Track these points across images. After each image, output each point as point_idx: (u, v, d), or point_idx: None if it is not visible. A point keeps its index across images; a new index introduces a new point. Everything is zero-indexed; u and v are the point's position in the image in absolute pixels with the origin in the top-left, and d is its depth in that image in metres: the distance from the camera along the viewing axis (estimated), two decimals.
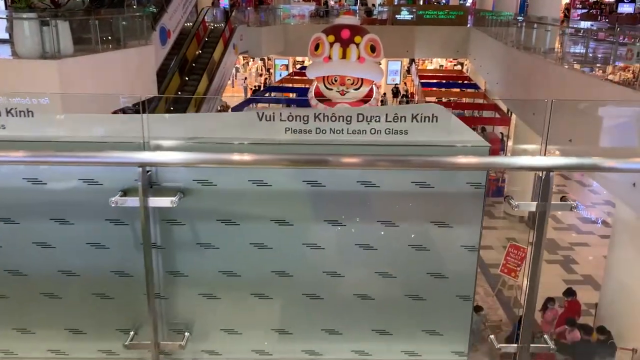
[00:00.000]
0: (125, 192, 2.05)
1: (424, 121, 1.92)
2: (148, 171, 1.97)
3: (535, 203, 2.01)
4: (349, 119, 1.95)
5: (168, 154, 2.01)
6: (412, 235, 2.11)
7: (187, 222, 2.13)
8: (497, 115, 20.12)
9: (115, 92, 13.19)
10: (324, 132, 1.97)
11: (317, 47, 13.21)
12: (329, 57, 12.93)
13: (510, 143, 20.12)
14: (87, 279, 2.27)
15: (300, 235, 2.15)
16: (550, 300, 10.40)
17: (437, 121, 1.94)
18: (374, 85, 13.76)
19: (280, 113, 1.96)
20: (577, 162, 2.09)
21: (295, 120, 1.97)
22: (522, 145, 16.49)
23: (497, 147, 19.97)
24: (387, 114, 1.91)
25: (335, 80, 12.97)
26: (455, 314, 2.37)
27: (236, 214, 2.09)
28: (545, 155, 2.12)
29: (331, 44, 12.93)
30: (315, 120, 1.97)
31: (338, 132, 1.97)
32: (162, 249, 2.16)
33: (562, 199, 2.05)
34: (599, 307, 10.56)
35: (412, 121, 1.92)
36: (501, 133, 21.85)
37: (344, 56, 12.91)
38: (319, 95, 13.74)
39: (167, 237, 2.15)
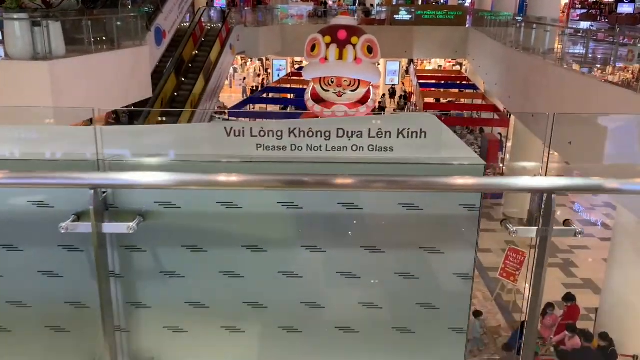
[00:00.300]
0: (79, 216, 1.82)
1: (412, 137, 1.72)
2: (104, 192, 1.77)
3: (535, 228, 1.81)
4: (327, 134, 1.75)
5: (124, 175, 1.76)
6: (400, 262, 1.90)
7: (148, 248, 1.92)
8: (496, 117, 19.93)
9: (109, 94, 13.02)
10: (299, 149, 1.76)
11: (313, 48, 13.01)
12: (326, 58, 12.73)
13: (509, 144, 19.89)
14: (40, 310, 2.04)
15: (275, 262, 1.92)
16: (549, 305, 10.23)
17: (425, 137, 1.74)
18: (371, 87, 13.56)
19: (251, 128, 1.75)
20: (580, 184, 1.88)
21: (268, 136, 1.77)
22: (521, 163, 16.30)
23: (496, 148, 19.79)
24: (370, 129, 1.71)
25: (332, 82, 12.77)
26: (448, 348, 2.13)
27: (204, 239, 1.87)
28: (546, 174, 1.92)
29: (327, 45, 12.73)
30: (290, 136, 1.76)
31: (316, 148, 1.77)
32: (121, 277, 1.95)
33: (566, 222, 1.86)
34: (600, 312, 10.36)
35: (397, 137, 1.73)
36: (499, 134, 21.66)
37: (340, 57, 12.71)
38: (315, 97, 13.54)
39: (127, 264, 1.94)
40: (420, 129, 1.73)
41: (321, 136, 1.74)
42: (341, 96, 12.86)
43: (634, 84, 9.01)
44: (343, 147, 1.75)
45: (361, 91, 12.98)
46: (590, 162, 9.78)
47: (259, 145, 1.77)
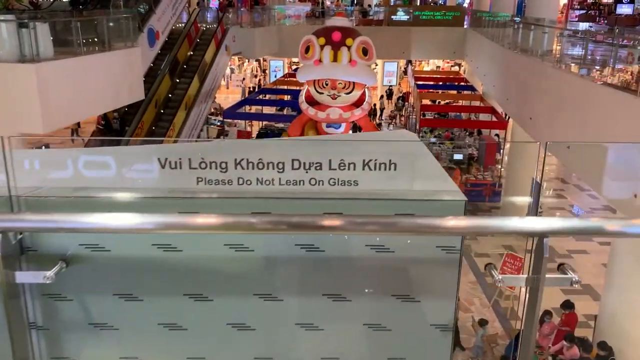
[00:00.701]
0: None
1: (379, 169, 1.46)
2: (20, 233, 1.51)
3: (524, 277, 1.55)
4: (281, 166, 1.49)
5: (39, 217, 1.49)
6: (369, 312, 1.64)
7: (75, 296, 1.67)
8: (494, 119, 19.69)
9: (99, 96, 12.75)
10: (248, 182, 1.51)
11: (307, 50, 12.75)
12: (320, 60, 12.47)
13: (507, 146, 19.63)
14: None
15: (223, 313, 1.67)
16: (547, 313, 10.00)
17: (395, 169, 1.48)
18: (366, 89, 13.30)
19: (189, 159, 1.49)
20: (577, 225, 1.62)
21: (210, 168, 1.51)
22: (512, 198, 16.09)
23: (494, 150, 19.55)
24: (330, 160, 1.45)
25: (326, 84, 12.51)
26: None
27: (139, 286, 1.63)
28: (537, 213, 1.66)
29: (322, 47, 12.47)
30: (236, 168, 1.51)
31: (267, 182, 1.52)
32: (45, 329, 1.71)
33: (560, 268, 1.60)
34: (599, 320, 10.13)
35: (363, 169, 1.47)
36: (497, 135, 21.43)
37: (335, 59, 12.45)
38: (309, 100, 13.28)
39: (51, 315, 1.69)
40: (390, 160, 1.48)
41: (273, 168, 1.49)
42: (336, 99, 12.59)
43: (634, 86, 8.77)
44: (299, 181, 1.50)
45: (356, 94, 12.73)
46: (589, 166, 9.54)
47: (199, 179, 1.52)
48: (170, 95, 21.14)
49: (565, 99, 10.75)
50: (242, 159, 1.49)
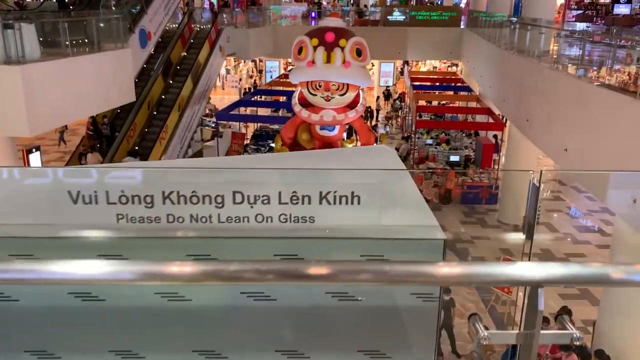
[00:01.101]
0: None
1: (339, 203, 1.20)
2: None
3: (515, 332, 1.30)
4: (219, 200, 1.24)
5: None
6: None
7: None
8: (491, 120, 19.47)
9: (88, 99, 12.48)
10: (180, 219, 1.25)
11: (300, 51, 12.49)
12: (313, 62, 12.21)
13: (505, 147, 19.40)
14: None
15: None
16: (544, 320, 9.73)
17: (359, 203, 1.22)
18: (360, 91, 13.05)
19: (107, 191, 1.24)
20: (577, 273, 1.35)
21: (132, 202, 1.25)
22: (506, 235, 15.88)
23: (490, 152, 19.33)
24: (280, 192, 1.20)
25: (320, 86, 12.25)
26: None
27: (55, 341, 1.37)
28: (530, 257, 1.40)
29: (315, 48, 12.21)
30: (164, 203, 1.25)
31: (204, 219, 1.26)
32: None
33: (558, 319, 1.35)
34: (597, 327, 9.88)
35: (320, 203, 1.21)
36: (495, 136, 21.16)
37: (328, 60, 12.19)
38: (303, 101, 13.02)
39: None
40: (352, 192, 1.21)
41: (210, 202, 1.23)
42: (329, 100, 12.33)
43: (632, 87, 8.55)
44: (243, 218, 1.24)
45: (350, 95, 12.46)
46: (587, 166, 9.32)
47: (120, 216, 1.26)
48: (163, 97, 20.87)
49: (562, 101, 10.52)
50: (172, 192, 1.23)
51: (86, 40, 12.96)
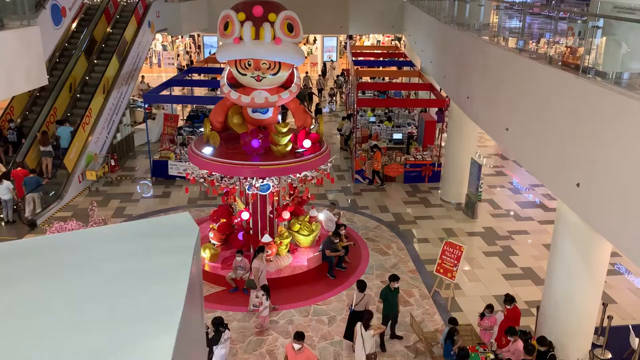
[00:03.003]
0: None
1: None
2: None
3: None
4: None
5: None
6: None
7: None
8: (433, 96, 19.06)
9: None
10: None
11: (226, 26, 11.48)
12: (240, 38, 11.25)
13: (447, 124, 19.07)
14: None
15: None
16: (487, 307, 9.43)
17: None
18: (295, 70, 12.20)
19: None
20: None
21: None
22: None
23: (433, 129, 18.96)
24: None
25: (249, 65, 11.33)
26: None
27: None
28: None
29: (242, 23, 11.24)
30: None
31: None
32: None
33: None
34: (542, 311, 9.65)
35: None
36: (437, 113, 20.82)
37: (257, 36, 11.26)
38: (232, 82, 12.06)
39: None
40: None
41: None
42: (260, 80, 11.45)
43: (572, 59, 8.12)
44: None
45: (283, 75, 11.62)
46: (527, 148, 8.92)
47: None
48: (87, 78, 19.31)
49: (503, 78, 10.06)
50: None
51: None
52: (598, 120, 6.54)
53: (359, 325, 8.53)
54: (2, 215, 14.48)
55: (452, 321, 8.90)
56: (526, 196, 17.22)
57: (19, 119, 17.71)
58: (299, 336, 7.81)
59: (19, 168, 15.19)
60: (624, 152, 5.92)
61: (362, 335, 8.44)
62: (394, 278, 9.83)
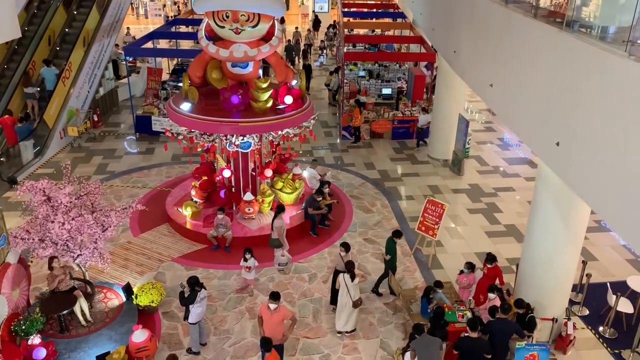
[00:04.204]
0: None
1: None
2: None
3: None
4: None
5: None
6: None
7: None
8: (423, 50, 18.58)
9: None
10: None
11: None
12: None
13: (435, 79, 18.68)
14: None
15: None
16: (467, 265, 9.44)
17: None
18: (275, 21, 11.74)
19: None
20: None
21: None
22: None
23: (422, 83, 18.58)
24: None
25: (227, 17, 10.86)
26: None
27: None
28: None
29: None
30: None
31: None
32: None
33: None
34: (520, 270, 9.63)
35: None
36: (426, 66, 20.35)
37: None
38: (210, 34, 11.62)
39: None
40: None
41: None
42: (239, 33, 11.02)
43: (558, 9, 7.80)
44: None
45: (263, 27, 11.18)
46: (509, 105, 8.69)
47: None
48: (66, 30, 18.68)
49: (488, 31, 9.70)
50: None
51: None
52: (580, 77, 6.30)
53: (342, 276, 8.60)
54: None
55: (438, 284, 8.86)
56: (516, 152, 17.06)
57: None
58: (275, 296, 7.75)
59: (6, 116, 15.10)
60: (605, 112, 5.70)
61: (347, 285, 8.56)
62: (398, 234, 9.78)
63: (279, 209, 10.70)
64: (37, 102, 16.24)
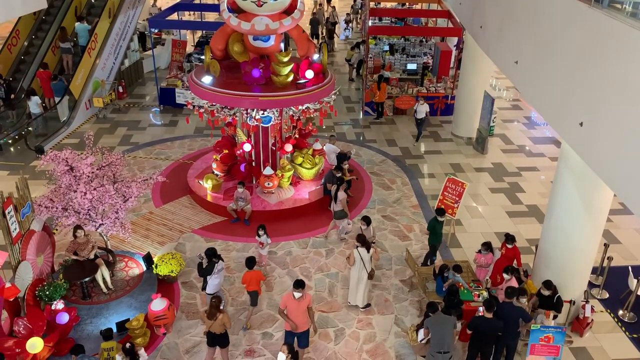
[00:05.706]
0: None
1: None
2: None
3: None
4: None
5: None
6: None
7: None
8: (450, 24, 18.16)
9: None
10: None
11: None
12: None
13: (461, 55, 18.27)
14: None
15: None
16: (484, 245, 9.35)
17: None
18: None
19: None
20: None
21: None
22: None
23: (448, 59, 18.19)
24: None
25: None
26: None
27: None
28: None
29: None
30: None
31: None
32: None
33: None
34: (539, 249, 9.50)
35: None
36: (458, 39, 19.88)
37: None
38: (233, 7, 11.53)
39: None
40: None
41: None
42: (262, 6, 10.91)
43: None
44: None
45: (285, 0, 11.05)
46: (534, 83, 8.47)
47: None
48: (92, 1, 18.78)
49: (516, 6, 9.40)
50: None
51: None
52: (608, 56, 6.08)
53: (356, 250, 8.62)
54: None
55: (456, 268, 8.78)
56: (543, 131, 16.68)
57: (26, 41, 17.51)
58: (300, 284, 7.35)
59: (41, 69, 16.01)
60: (633, 94, 5.51)
61: (362, 258, 8.67)
62: (441, 212, 9.80)
63: (340, 181, 10.88)
64: (72, 57, 17.00)
